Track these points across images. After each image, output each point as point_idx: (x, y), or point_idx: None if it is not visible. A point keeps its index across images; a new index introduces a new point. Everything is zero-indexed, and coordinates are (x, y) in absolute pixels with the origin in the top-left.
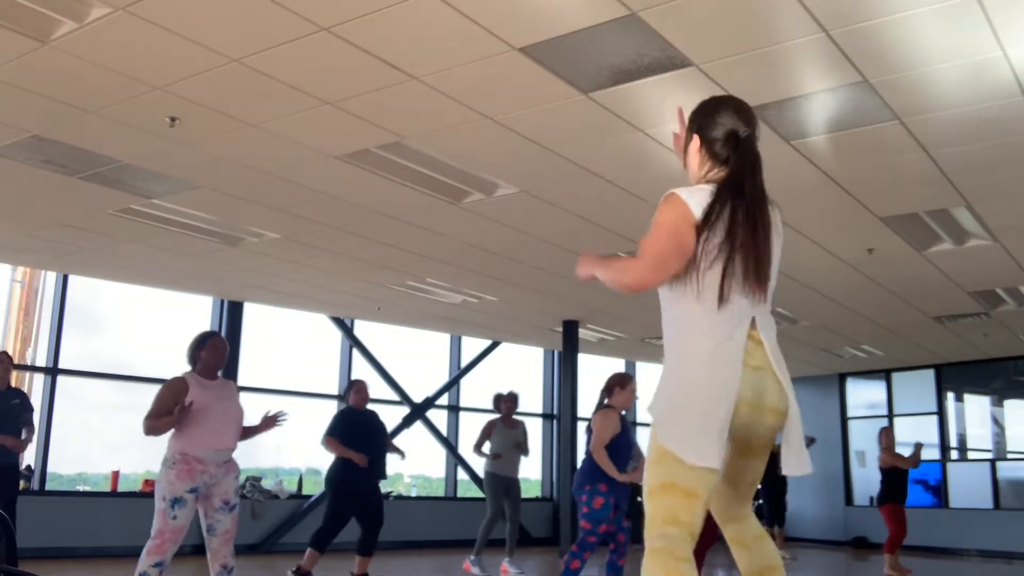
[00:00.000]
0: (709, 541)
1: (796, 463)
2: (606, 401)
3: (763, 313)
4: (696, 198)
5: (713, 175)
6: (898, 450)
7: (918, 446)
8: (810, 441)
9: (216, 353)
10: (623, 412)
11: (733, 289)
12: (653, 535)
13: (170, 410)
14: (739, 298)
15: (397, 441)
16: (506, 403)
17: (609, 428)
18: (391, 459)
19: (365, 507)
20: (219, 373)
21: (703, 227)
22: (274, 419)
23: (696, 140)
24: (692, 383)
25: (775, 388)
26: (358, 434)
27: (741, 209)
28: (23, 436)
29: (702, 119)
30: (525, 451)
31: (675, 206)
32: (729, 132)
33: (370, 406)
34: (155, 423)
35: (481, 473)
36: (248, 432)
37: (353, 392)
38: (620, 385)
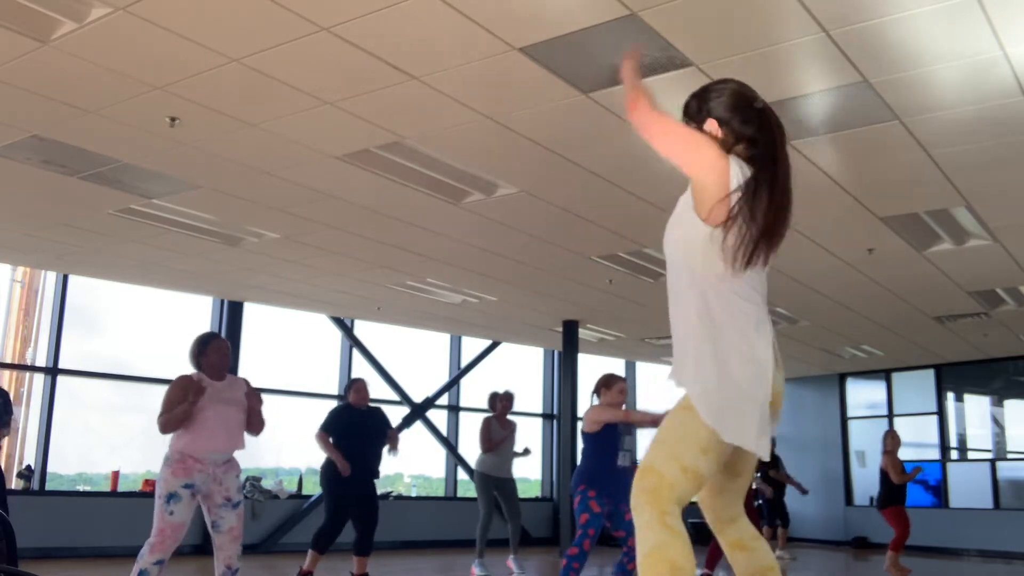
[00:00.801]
0: (720, 553)
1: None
2: (596, 401)
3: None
4: (735, 168)
5: (742, 152)
6: (901, 452)
7: (917, 470)
8: None
9: (219, 355)
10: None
11: (758, 265)
12: (666, 505)
13: (185, 417)
14: (761, 275)
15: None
16: (502, 403)
17: (605, 410)
18: (387, 458)
19: (359, 505)
20: (226, 373)
21: (745, 193)
22: (253, 392)
23: (712, 124)
24: (743, 364)
25: (782, 380)
26: (351, 433)
27: (777, 186)
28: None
29: (710, 103)
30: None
31: (724, 159)
32: (749, 108)
33: (371, 406)
34: (169, 417)
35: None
36: (253, 420)
37: (353, 391)
38: (606, 386)
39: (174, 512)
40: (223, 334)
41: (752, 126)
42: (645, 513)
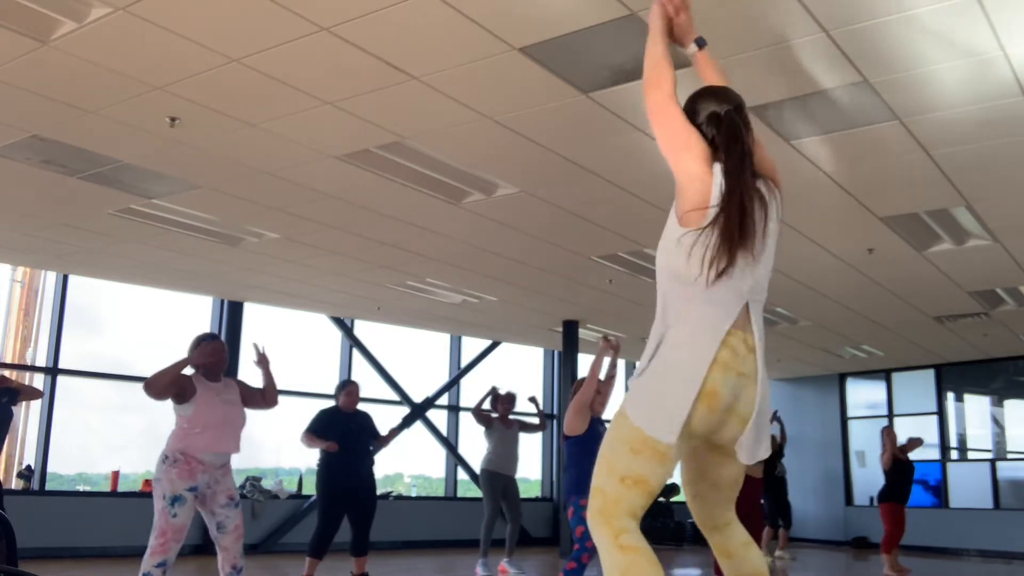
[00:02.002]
0: None
1: (748, 448)
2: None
3: (759, 302)
4: (719, 177)
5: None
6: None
7: (914, 440)
8: (773, 415)
9: (215, 356)
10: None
11: (725, 272)
12: (616, 523)
13: (173, 380)
14: (732, 281)
15: (393, 445)
16: (503, 404)
17: (573, 426)
18: (385, 457)
19: (352, 507)
20: (221, 375)
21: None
22: (263, 357)
23: None
24: (664, 368)
25: (750, 398)
26: (338, 436)
27: (738, 188)
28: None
29: (684, 111)
30: (542, 425)
31: (708, 164)
32: (711, 114)
33: (370, 406)
34: (157, 376)
35: (478, 470)
36: (257, 397)
37: (345, 393)
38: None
39: (177, 515)
40: (223, 334)
41: (712, 130)
42: (600, 536)
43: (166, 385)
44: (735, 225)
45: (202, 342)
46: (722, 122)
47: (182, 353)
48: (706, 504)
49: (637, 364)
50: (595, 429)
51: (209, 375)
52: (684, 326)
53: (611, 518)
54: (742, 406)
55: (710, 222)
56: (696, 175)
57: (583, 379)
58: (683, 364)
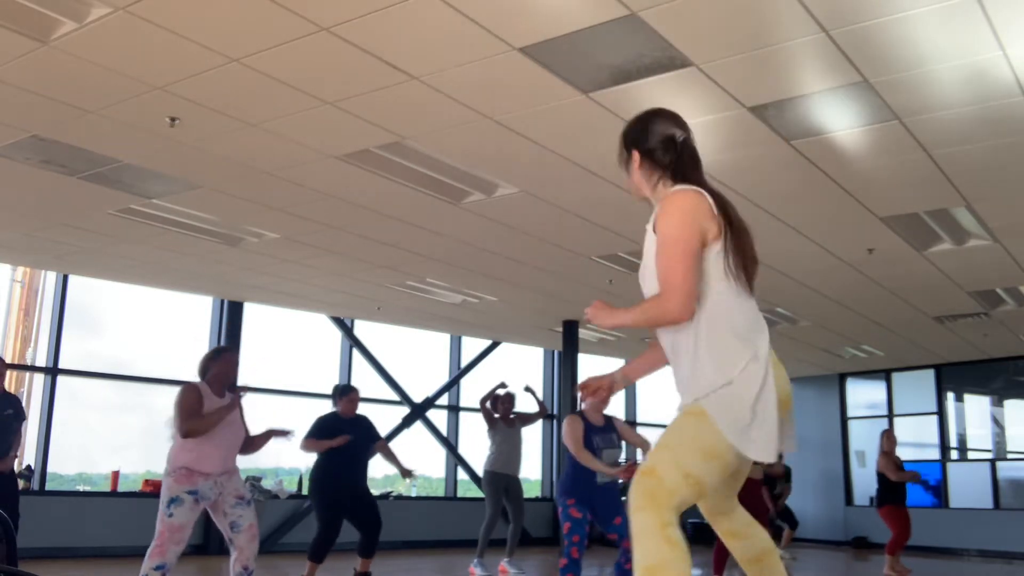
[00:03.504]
0: (726, 551)
1: (791, 442)
2: (583, 406)
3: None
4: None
5: (666, 183)
6: (900, 452)
7: (915, 474)
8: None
9: (229, 367)
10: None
11: (743, 278)
12: (666, 514)
13: (198, 410)
14: (748, 288)
15: (393, 445)
16: (503, 404)
17: (572, 434)
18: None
19: (355, 510)
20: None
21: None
22: (275, 433)
23: (636, 156)
24: (753, 380)
25: (787, 383)
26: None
27: (728, 206)
28: (12, 451)
29: (635, 134)
30: (543, 413)
31: (686, 208)
32: (666, 137)
33: (370, 406)
34: (197, 423)
35: (481, 472)
36: (251, 444)
37: (346, 400)
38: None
39: (173, 514)
40: (223, 334)
41: (670, 155)
42: (644, 518)
43: (208, 430)
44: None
45: (220, 353)
46: (682, 149)
47: (182, 353)
48: (712, 496)
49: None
50: (589, 437)
51: (214, 387)
52: (738, 335)
53: (661, 507)
54: (789, 398)
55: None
56: (696, 234)
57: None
58: (761, 379)
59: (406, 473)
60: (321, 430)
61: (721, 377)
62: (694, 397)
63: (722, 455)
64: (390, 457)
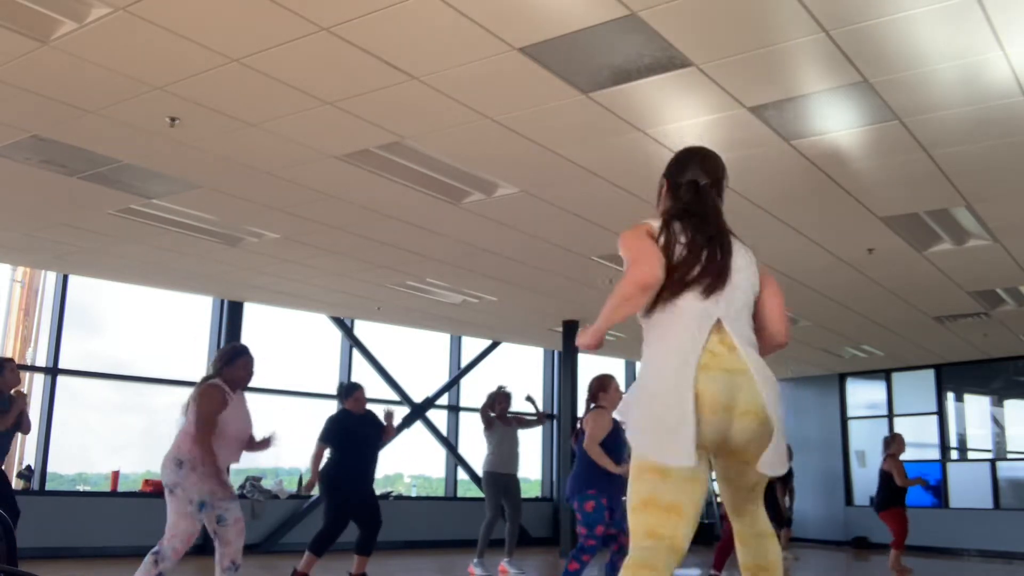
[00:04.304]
0: (729, 549)
1: (769, 462)
2: (592, 405)
3: (733, 319)
4: (655, 223)
5: (668, 211)
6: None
7: (920, 480)
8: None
9: (248, 371)
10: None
11: (686, 295)
12: (633, 547)
13: (216, 419)
14: (695, 302)
15: (393, 445)
16: (500, 403)
17: (602, 427)
18: (385, 457)
19: (360, 508)
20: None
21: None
22: (268, 441)
23: (666, 182)
24: (652, 387)
25: (750, 390)
26: (351, 440)
27: (690, 223)
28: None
29: (673, 167)
30: (540, 419)
31: (637, 228)
32: (691, 181)
33: (370, 406)
34: (211, 431)
35: (480, 472)
36: (252, 443)
37: (353, 399)
38: (603, 389)
39: (199, 521)
40: (223, 334)
41: (688, 194)
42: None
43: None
44: (706, 270)
45: (240, 354)
46: (699, 192)
47: (182, 354)
48: (730, 497)
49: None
50: (617, 433)
51: (233, 386)
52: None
53: (659, 570)
54: (742, 401)
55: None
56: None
57: (607, 379)
58: (670, 381)
59: (388, 415)
60: (332, 431)
61: (630, 396)
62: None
63: (652, 467)
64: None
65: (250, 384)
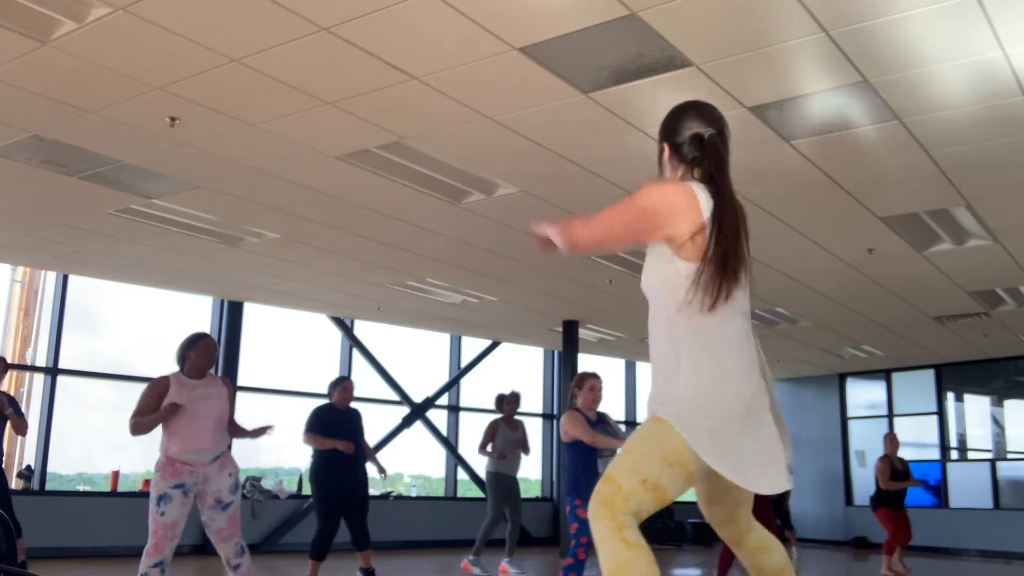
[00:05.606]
0: (730, 558)
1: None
2: (578, 403)
3: (746, 315)
4: (703, 196)
5: (685, 178)
6: (901, 452)
7: (915, 482)
8: None
9: (205, 354)
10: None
11: (734, 291)
12: (620, 517)
13: (154, 408)
14: (744, 299)
15: (393, 445)
16: (509, 404)
17: (578, 424)
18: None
19: (347, 502)
20: (208, 372)
21: (711, 227)
22: (263, 430)
23: (667, 148)
24: (733, 406)
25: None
26: (336, 432)
27: (728, 210)
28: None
29: (667, 127)
30: (526, 449)
31: (684, 194)
32: (694, 135)
33: (370, 406)
34: (139, 420)
35: (482, 473)
36: (239, 432)
37: (340, 389)
38: (578, 387)
39: (165, 513)
40: (223, 334)
41: (694, 151)
42: (601, 526)
43: (145, 431)
44: (732, 251)
45: (195, 341)
46: (707, 146)
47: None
48: (712, 506)
49: (656, 379)
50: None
51: (192, 373)
52: (714, 355)
53: (616, 512)
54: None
55: (711, 254)
56: (667, 213)
57: (584, 377)
58: (733, 390)
59: (382, 471)
60: (318, 423)
61: (689, 390)
62: (661, 404)
63: (683, 461)
64: (371, 456)
65: (249, 384)
